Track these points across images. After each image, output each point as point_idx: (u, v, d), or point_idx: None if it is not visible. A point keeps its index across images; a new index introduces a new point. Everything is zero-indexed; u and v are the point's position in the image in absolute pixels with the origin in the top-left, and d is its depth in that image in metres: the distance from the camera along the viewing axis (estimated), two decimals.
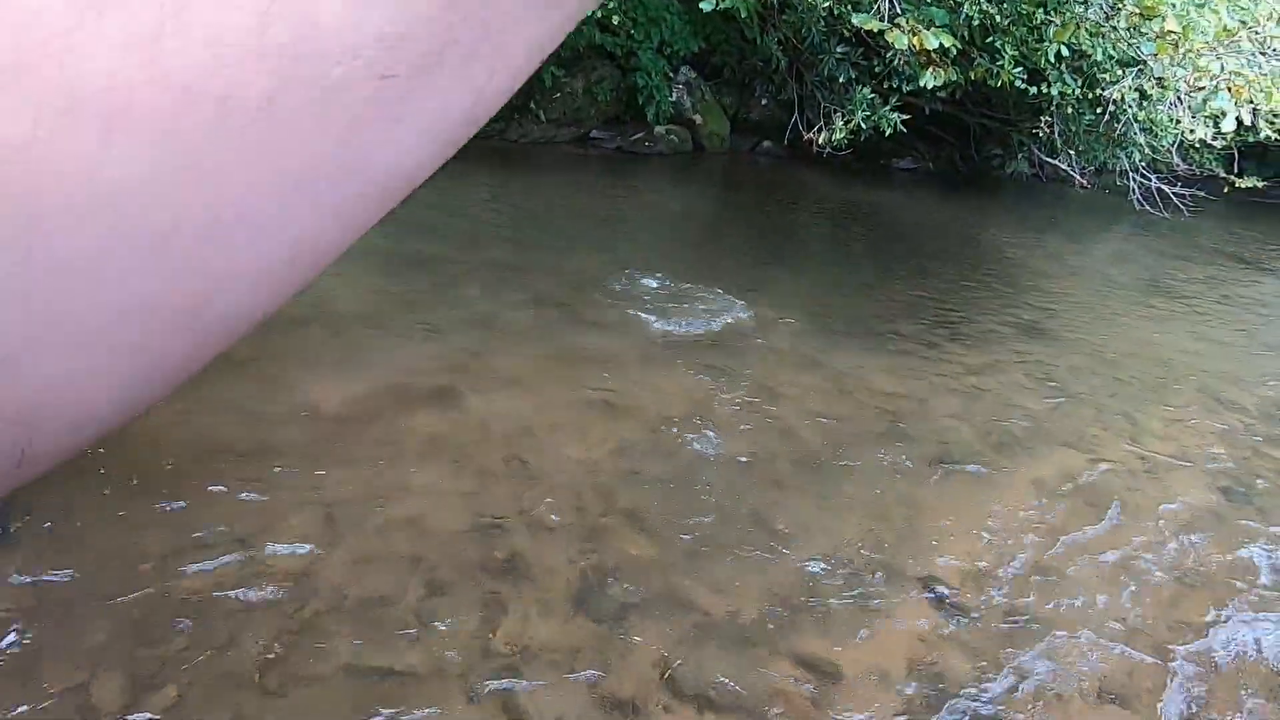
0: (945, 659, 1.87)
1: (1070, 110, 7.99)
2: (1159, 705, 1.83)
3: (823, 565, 2.14)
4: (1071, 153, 8.70)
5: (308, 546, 1.92)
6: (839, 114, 8.24)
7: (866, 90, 7.89)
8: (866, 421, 3.04)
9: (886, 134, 8.06)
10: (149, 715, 1.45)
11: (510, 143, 8.40)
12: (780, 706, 1.67)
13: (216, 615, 1.69)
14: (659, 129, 9.20)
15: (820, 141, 8.40)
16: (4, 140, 0.17)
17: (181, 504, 1.99)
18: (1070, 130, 8.36)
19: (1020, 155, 9.96)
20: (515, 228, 5.24)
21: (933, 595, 2.09)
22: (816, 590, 2.04)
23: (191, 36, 0.17)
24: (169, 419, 2.24)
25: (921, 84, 6.22)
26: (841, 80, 8.17)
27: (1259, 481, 3.02)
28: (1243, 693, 1.91)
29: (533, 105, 8.69)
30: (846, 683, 1.76)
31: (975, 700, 1.76)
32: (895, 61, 7.05)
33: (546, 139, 8.70)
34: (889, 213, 7.99)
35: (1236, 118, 5.28)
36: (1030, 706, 1.77)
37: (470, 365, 3.04)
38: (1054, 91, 7.07)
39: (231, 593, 1.75)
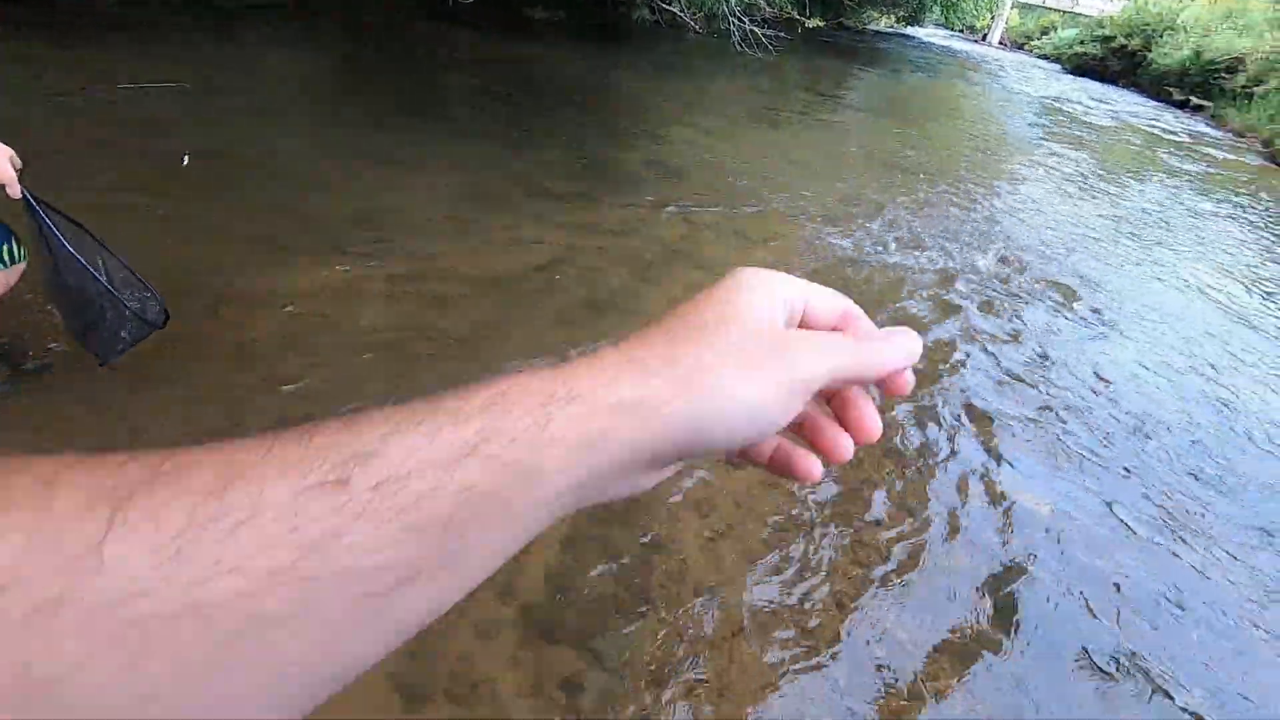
0: None
1: None
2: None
3: None
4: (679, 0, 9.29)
5: None
6: None
7: None
8: (521, 276, 3.08)
9: None
10: None
11: None
12: None
13: None
14: None
15: None
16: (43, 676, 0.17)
17: None
18: None
19: (641, 2, 10.37)
20: (94, 100, 3.95)
21: None
22: None
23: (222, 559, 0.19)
24: None
25: None
26: None
27: (828, 271, 3.83)
28: None
29: None
30: None
31: (627, 514, 2.01)
32: None
33: None
34: (531, 65, 7.82)
35: None
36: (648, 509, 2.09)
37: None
38: None
39: None
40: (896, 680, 1.70)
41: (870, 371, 0.32)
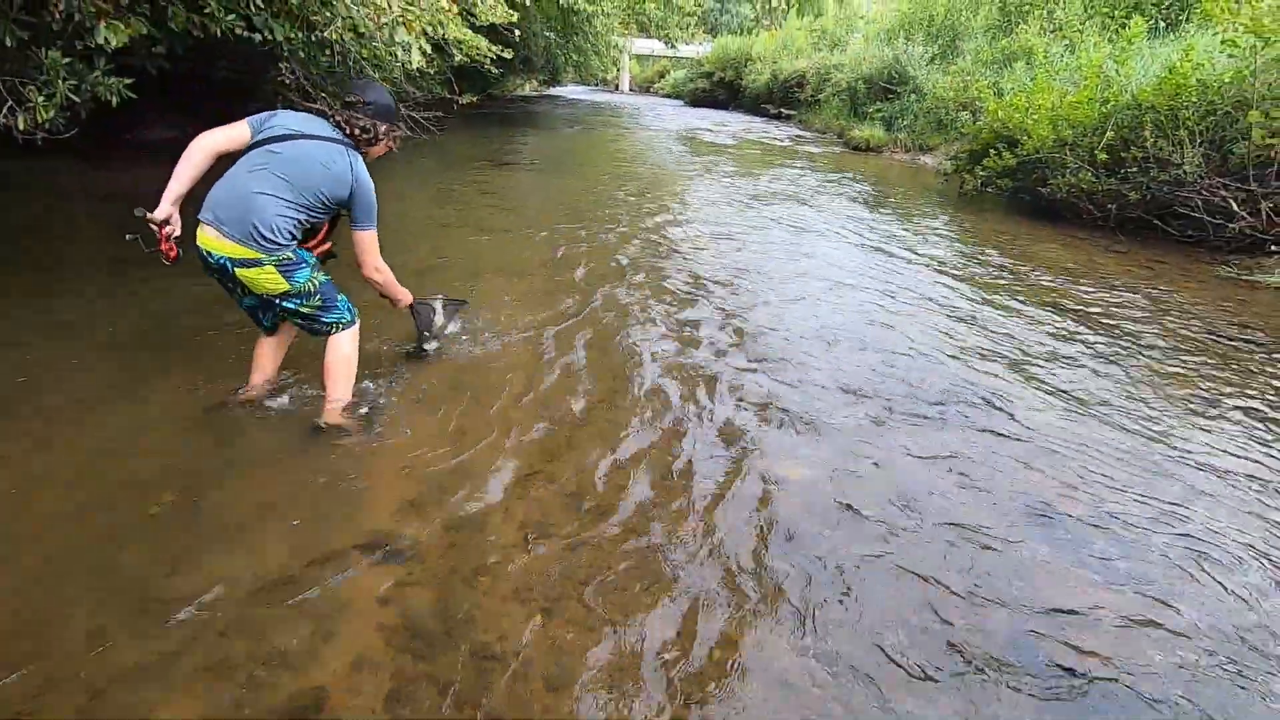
0: (410, 604, 1.89)
1: (303, 55, 8.12)
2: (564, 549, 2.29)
3: (252, 578, 1.85)
4: (325, 95, 9.02)
5: None
6: (32, 87, 6.42)
7: (57, 54, 6.28)
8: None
9: (114, 103, 6.72)
10: None
11: None
12: None
13: None
14: None
15: (22, 126, 6.46)
16: None
17: None
18: (313, 74, 8.58)
19: (279, 104, 9.81)
20: None
21: (376, 555, 2.06)
22: (263, 603, 1.76)
23: None
24: None
25: (99, 41, 5.28)
26: (10, 44, 6.27)
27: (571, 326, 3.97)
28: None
29: None
30: (332, 688, 1.60)
31: (447, 627, 1.86)
32: (71, 13, 5.74)
33: None
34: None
35: (420, 49, 6.22)
36: (486, 604, 1.97)
37: None
38: (276, 38, 7.00)
39: None
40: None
41: None
